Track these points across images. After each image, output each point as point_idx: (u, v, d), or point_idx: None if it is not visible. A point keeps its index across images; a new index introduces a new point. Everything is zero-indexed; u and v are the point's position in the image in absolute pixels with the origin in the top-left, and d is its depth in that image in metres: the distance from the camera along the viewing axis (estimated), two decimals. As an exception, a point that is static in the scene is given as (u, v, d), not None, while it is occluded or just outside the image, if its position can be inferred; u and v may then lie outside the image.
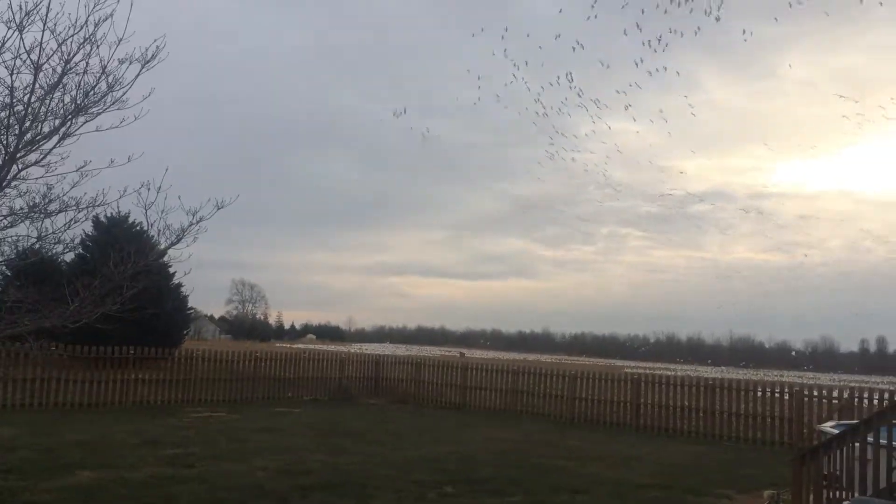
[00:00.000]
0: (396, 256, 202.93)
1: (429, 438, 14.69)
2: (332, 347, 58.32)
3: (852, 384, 22.63)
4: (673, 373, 30.11)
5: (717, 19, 9.51)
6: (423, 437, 14.94)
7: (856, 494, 7.32)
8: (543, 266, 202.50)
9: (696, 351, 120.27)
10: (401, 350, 68.55)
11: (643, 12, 9.75)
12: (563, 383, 20.53)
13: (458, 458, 12.28)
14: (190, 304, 26.76)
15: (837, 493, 7.67)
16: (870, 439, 7.55)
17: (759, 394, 17.49)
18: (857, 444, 7.60)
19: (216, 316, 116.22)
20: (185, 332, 27.19)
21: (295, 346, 67.21)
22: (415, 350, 74.55)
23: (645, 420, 18.77)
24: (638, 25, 9.84)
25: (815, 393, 16.74)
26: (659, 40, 10.03)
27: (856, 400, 15.83)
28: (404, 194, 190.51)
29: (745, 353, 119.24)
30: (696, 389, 18.20)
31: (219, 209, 6.80)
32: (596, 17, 10.08)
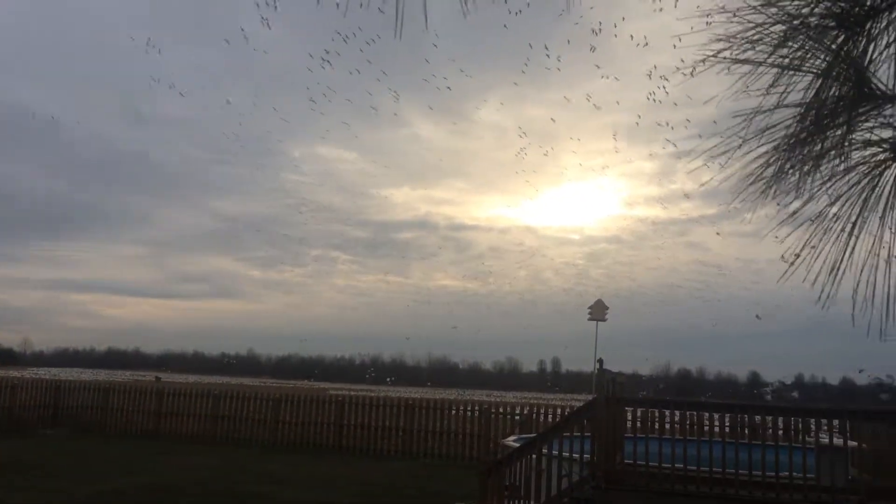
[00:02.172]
0: (83, 272, 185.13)
1: (120, 469, 13.45)
2: None
3: (532, 401, 25.17)
4: (375, 394, 31.01)
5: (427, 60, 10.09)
6: (113, 467, 13.65)
7: (532, 503, 8.06)
8: (250, 287, 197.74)
9: (399, 371, 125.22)
10: (86, 374, 62.22)
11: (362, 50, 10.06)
12: (267, 407, 20.11)
13: (153, 488, 11.39)
14: None
15: (518, 501, 8.39)
16: (544, 451, 8.38)
17: (454, 412, 18.66)
18: (533, 456, 8.39)
19: None
20: None
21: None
22: (103, 374, 68.14)
23: (348, 441, 19.03)
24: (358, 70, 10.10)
25: (501, 410, 18.30)
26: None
27: (534, 415, 17.56)
28: (95, 205, 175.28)
29: (443, 373, 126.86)
30: (396, 409, 18.90)
31: None
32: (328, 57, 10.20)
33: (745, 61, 1.28)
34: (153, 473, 13.22)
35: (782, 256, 1.36)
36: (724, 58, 1.30)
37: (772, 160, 1.33)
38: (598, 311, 20.84)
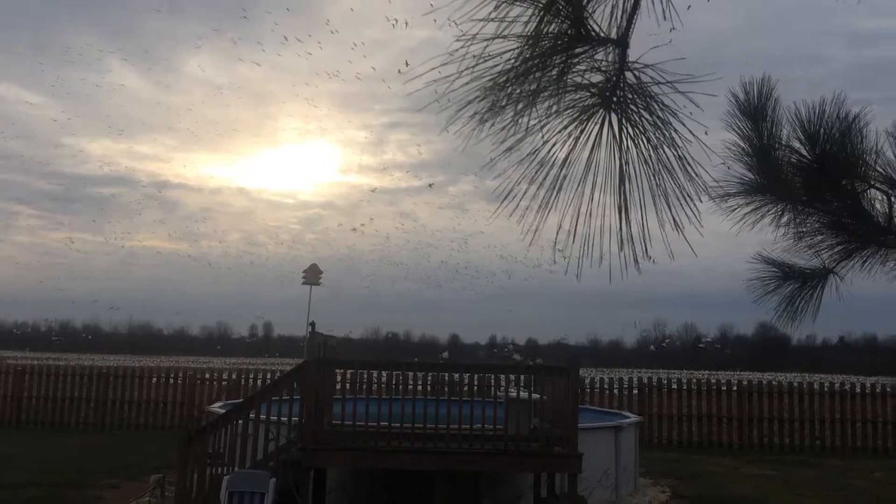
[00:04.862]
0: None
1: None
2: None
3: (241, 366, 24.50)
4: (65, 363, 28.13)
5: None
6: None
7: (236, 468, 7.83)
8: None
9: (95, 338, 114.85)
10: None
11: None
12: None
13: None
14: None
15: (221, 469, 8.10)
16: (252, 416, 8.19)
17: (154, 380, 17.57)
18: (240, 421, 8.15)
19: None
20: None
21: None
22: None
23: (29, 415, 17.07)
24: None
25: (207, 376, 17.61)
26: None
27: (242, 381, 17.16)
28: None
29: (145, 340, 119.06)
30: (88, 379, 17.32)
31: None
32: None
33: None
34: None
35: (494, 192, 1.37)
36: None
37: (489, 94, 1.32)
38: (313, 275, 20.84)
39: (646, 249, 1.35)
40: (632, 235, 1.34)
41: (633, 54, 1.35)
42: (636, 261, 1.36)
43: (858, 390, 16.49)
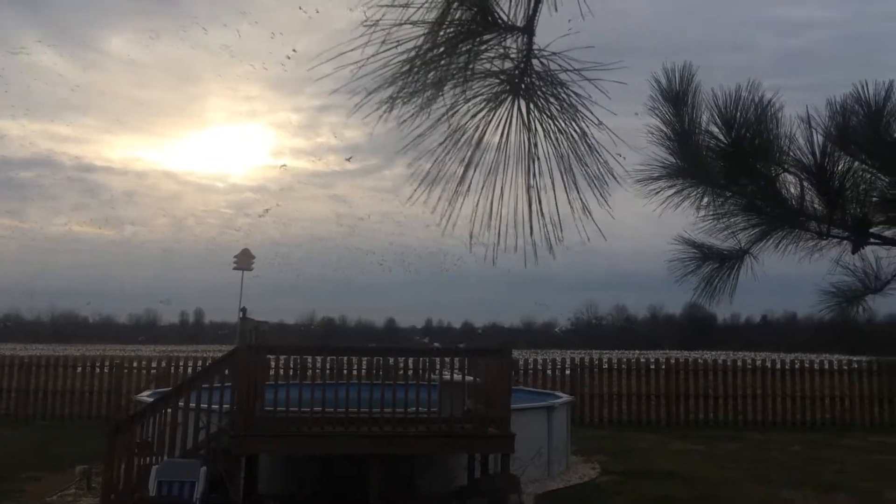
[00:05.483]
0: None
1: None
2: None
3: (172, 353, 23.93)
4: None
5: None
6: None
7: (165, 457, 7.68)
8: None
9: (15, 327, 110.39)
10: None
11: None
12: None
13: None
14: None
15: (150, 458, 7.93)
16: (181, 404, 8.03)
17: (79, 369, 17.03)
18: (169, 410, 7.99)
19: None
20: None
21: None
22: None
23: (-58, 409, 16.38)
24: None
25: (135, 364, 17.17)
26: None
27: (172, 369, 16.78)
28: None
29: (69, 328, 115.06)
30: (8, 369, 16.70)
31: None
32: None
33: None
34: None
35: (408, 179, 1.37)
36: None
37: (398, 79, 1.31)
38: (244, 260, 20.48)
39: (558, 234, 1.37)
40: (544, 221, 1.36)
41: (555, 43, 1.36)
42: (550, 245, 1.37)
43: (778, 367, 17.18)
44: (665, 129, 2.72)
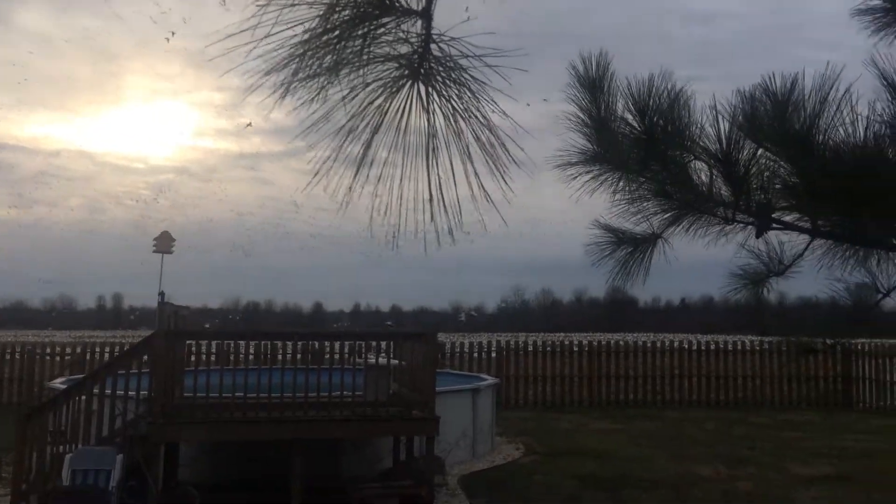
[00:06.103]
0: None
1: None
2: None
3: (87, 339, 23.09)
4: None
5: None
6: None
7: (80, 445, 7.43)
8: None
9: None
10: None
11: None
12: None
13: None
14: None
15: (63, 447, 7.67)
16: (97, 391, 7.77)
17: (-12, 356, 16.29)
18: (83, 397, 7.73)
19: None
20: None
21: None
22: None
23: None
24: None
25: (49, 351, 16.53)
26: None
27: (88, 355, 16.23)
28: None
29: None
30: None
31: None
32: None
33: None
34: None
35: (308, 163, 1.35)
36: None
37: (291, 63, 1.28)
38: (164, 243, 19.92)
39: (458, 219, 1.37)
40: (444, 206, 1.36)
41: (457, 28, 1.35)
42: (450, 232, 1.38)
43: (695, 348, 17.81)
44: (582, 116, 2.77)
